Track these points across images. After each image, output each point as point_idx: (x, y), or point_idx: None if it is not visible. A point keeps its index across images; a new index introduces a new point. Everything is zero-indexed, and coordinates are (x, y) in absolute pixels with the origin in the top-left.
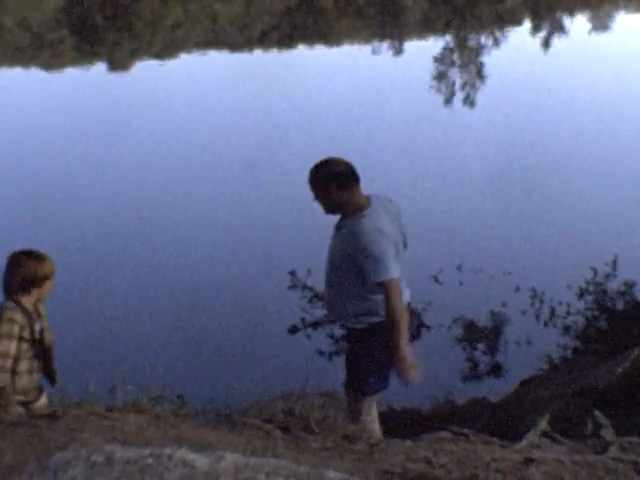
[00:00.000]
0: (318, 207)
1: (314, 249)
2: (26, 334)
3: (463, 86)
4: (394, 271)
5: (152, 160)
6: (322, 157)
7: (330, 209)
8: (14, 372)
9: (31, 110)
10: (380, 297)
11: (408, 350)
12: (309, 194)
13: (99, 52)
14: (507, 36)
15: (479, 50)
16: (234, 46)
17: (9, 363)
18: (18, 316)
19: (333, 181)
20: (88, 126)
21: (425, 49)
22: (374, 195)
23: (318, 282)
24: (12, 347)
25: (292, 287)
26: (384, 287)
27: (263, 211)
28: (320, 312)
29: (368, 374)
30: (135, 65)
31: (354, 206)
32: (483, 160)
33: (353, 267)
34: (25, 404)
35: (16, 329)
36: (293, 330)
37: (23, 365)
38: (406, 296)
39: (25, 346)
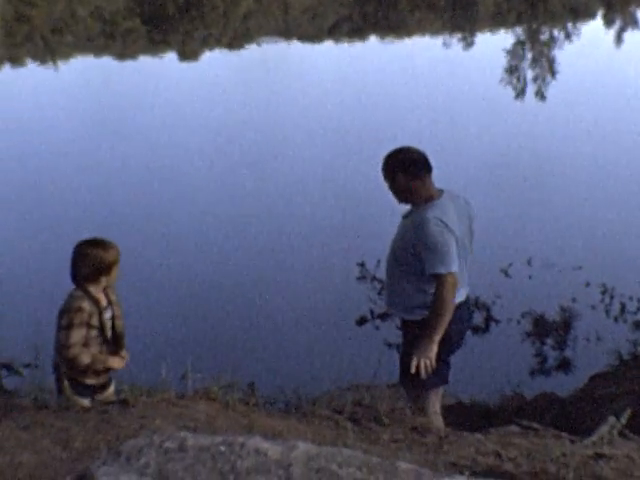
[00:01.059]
0: (392, 198)
1: (383, 241)
2: (94, 321)
3: (534, 79)
4: (452, 265)
5: (222, 147)
6: (390, 148)
7: (401, 198)
8: None
9: (102, 98)
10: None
11: (432, 348)
12: (381, 185)
13: (170, 41)
14: (579, 29)
15: (551, 43)
16: (305, 37)
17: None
18: (86, 304)
19: (403, 168)
20: (157, 114)
21: (496, 42)
22: (449, 191)
23: None
24: (82, 335)
25: (361, 278)
26: (438, 279)
27: (333, 202)
28: None
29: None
30: (206, 55)
31: (424, 196)
32: (553, 153)
33: (413, 257)
34: (94, 391)
35: (85, 317)
36: (361, 321)
37: (93, 351)
38: (461, 295)
39: (94, 333)
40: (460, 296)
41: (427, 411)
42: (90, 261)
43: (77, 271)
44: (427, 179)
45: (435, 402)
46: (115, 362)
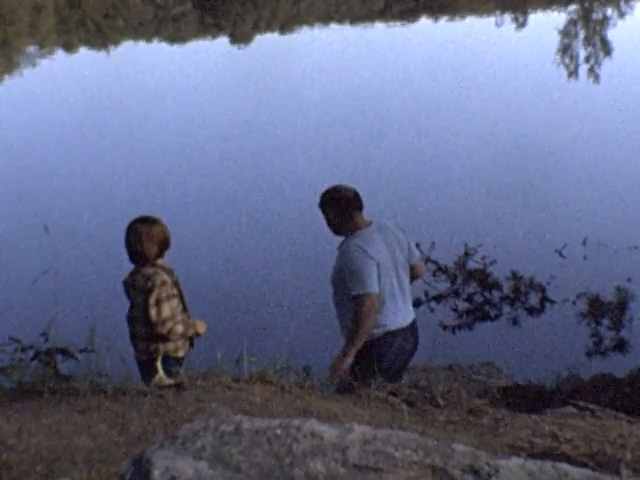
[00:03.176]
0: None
1: (438, 223)
2: (175, 291)
3: (587, 59)
4: (369, 287)
5: (273, 131)
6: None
7: (332, 230)
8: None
9: (154, 81)
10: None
11: (344, 361)
12: (438, 173)
13: (222, 25)
14: (633, 7)
15: (604, 22)
16: (356, 19)
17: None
18: (165, 277)
19: (332, 206)
20: (208, 97)
21: (549, 22)
22: (378, 222)
23: (442, 256)
24: (171, 307)
25: None
26: (355, 300)
27: (384, 180)
28: (443, 285)
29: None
30: (256, 38)
31: (351, 228)
32: (606, 133)
33: (343, 282)
34: (177, 362)
35: (169, 290)
36: (416, 303)
37: (180, 320)
38: (402, 319)
39: (175, 302)
40: (403, 319)
41: None
42: (157, 238)
43: (145, 249)
44: (355, 215)
45: None
46: (202, 327)
